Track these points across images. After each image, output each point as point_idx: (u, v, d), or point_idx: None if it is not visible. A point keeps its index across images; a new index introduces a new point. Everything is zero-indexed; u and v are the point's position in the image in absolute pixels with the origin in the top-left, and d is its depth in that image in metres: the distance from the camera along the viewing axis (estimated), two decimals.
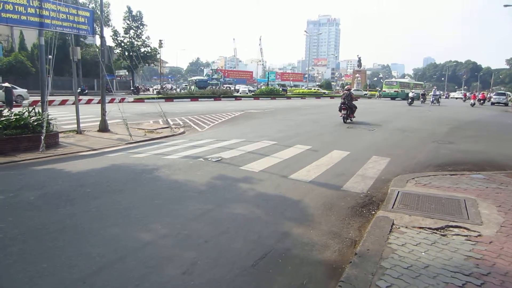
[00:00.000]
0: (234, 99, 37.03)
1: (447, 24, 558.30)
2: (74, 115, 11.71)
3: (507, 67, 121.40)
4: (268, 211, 4.63)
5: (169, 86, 67.23)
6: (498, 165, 7.72)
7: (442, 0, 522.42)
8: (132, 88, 45.73)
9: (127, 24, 51.27)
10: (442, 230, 3.95)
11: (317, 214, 4.60)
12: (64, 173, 6.49)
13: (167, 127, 13.20)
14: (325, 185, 5.84)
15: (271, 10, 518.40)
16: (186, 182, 5.88)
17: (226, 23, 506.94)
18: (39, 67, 10.56)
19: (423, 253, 3.36)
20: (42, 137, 8.53)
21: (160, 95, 35.34)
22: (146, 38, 52.76)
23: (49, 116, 9.63)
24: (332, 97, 54.44)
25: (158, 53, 56.19)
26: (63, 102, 20.52)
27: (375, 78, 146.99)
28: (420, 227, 4.02)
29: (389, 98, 47.59)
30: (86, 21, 11.31)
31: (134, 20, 51.60)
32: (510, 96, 42.83)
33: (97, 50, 22.59)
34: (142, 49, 52.24)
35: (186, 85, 59.93)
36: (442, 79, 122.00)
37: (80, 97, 22.53)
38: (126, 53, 48.71)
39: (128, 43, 50.89)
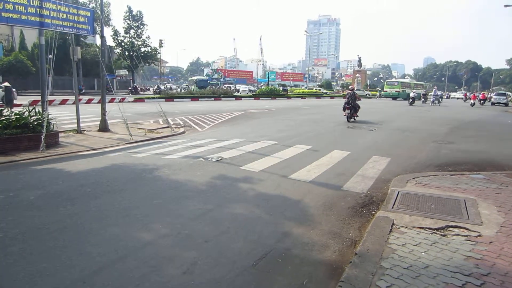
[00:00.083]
0: (234, 99, 37.03)
1: (447, 24, 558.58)
2: (74, 115, 11.71)
3: (507, 67, 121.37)
4: (268, 211, 4.63)
5: (169, 85, 67.20)
6: (498, 165, 7.72)
7: (442, 0, 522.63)
8: (129, 88, 45.69)
9: (128, 23, 51.30)
10: (442, 230, 3.95)
11: (317, 214, 4.60)
12: (64, 173, 6.49)
13: (167, 127, 13.20)
14: (325, 185, 5.85)
15: (271, 10, 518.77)
16: (186, 182, 5.88)
17: (226, 23, 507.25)
18: (40, 66, 10.56)
19: (423, 253, 3.37)
20: (42, 137, 8.53)
21: (155, 95, 35.37)
22: (146, 37, 52.81)
23: (49, 116, 9.63)
24: (332, 97, 54.48)
25: (159, 53, 56.23)
26: (63, 102, 20.50)
27: (375, 78, 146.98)
28: (420, 227, 4.02)
29: (391, 98, 47.73)
30: (86, 21, 11.31)
31: (135, 19, 51.63)
32: (510, 96, 42.85)
33: (97, 49, 22.59)
34: (143, 49, 52.27)
35: (186, 85, 59.92)
36: (442, 79, 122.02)
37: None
38: (126, 53, 48.76)
39: (128, 43, 50.91)
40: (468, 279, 2.91)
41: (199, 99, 33.55)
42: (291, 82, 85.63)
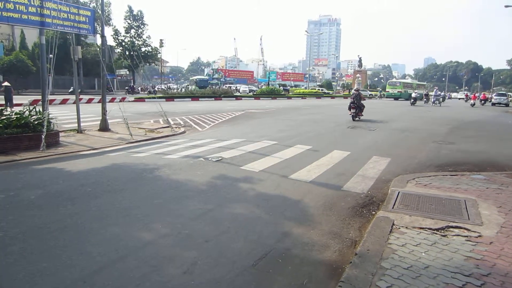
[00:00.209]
0: (234, 98, 37.03)
1: (448, 24, 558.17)
2: (75, 114, 11.71)
3: (508, 67, 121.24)
4: (268, 211, 4.64)
5: (169, 85, 67.22)
6: (498, 165, 7.72)
7: (443, 0, 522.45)
8: (127, 88, 45.69)
9: (128, 23, 51.35)
10: (442, 231, 3.95)
11: (317, 214, 4.60)
12: (64, 172, 6.49)
13: (168, 127, 13.21)
14: (326, 185, 5.85)
15: (271, 10, 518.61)
16: (187, 181, 5.89)
17: (227, 22, 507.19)
18: (40, 66, 10.57)
19: (423, 254, 3.37)
20: (43, 136, 8.54)
21: (150, 95, 35.42)
22: (147, 37, 52.87)
23: (50, 115, 9.64)
24: (333, 97, 54.48)
25: (159, 53, 56.23)
26: (63, 101, 20.52)
27: (376, 78, 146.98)
28: (421, 228, 4.02)
29: (393, 98, 47.96)
30: (87, 20, 11.32)
31: (135, 19, 51.68)
32: (511, 97, 42.83)
33: (98, 49, 22.63)
34: (143, 49, 52.33)
35: (188, 85, 59.99)
36: (443, 79, 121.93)
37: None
38: (127, 53, 48.79)
39: (129, 43, 50.98)
40: (468, 280, 2.91)
41: (200, 99, 33.54)
42: (292, 82, 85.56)
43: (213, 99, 34.64)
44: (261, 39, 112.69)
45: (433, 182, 5.90)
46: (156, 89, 48.22)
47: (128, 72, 54.18)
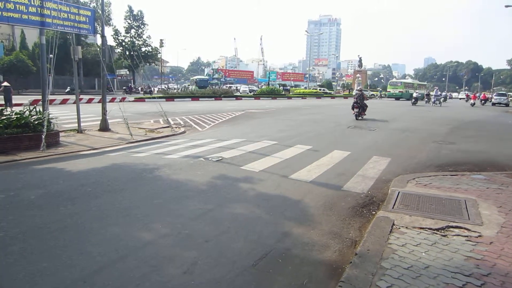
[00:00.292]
0: (234, 98, 37.03)
1: (448, 24, 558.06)
2: (75, 114, 11.72)
3: (508, 67, 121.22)
4: (268, 211, 4.64)
5: (171, 85, 67.27)
6: (498, 165, 7.71)
7: (443, 0, 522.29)
8: (124, 88, 45.70)
9: (128, 23, 51.37)
10: (442, 231, 3.95)
11: (318, 214, 4.60)
12: (65, 172, 6.50)
13: (168, 127, 13.21)
14: (326, 185, 5.85)
15: (272, 10, 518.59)
16: (187, 181, 5.89)
17: (227, 22, 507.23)
18: (40, 66, 10.56)
19: (423, 254, 3.37)
20: (43, 136, 8.54)
21: (146, 95, 35.46)
22: (147, 37, 52.90)
23: (50, 115, 9.64)
24: (333, 97, 54.48)
25: (159, 53, 56.26)
26: (64, 101, 20.54)
27: (376, 78, 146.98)
28: (421, 228, 4.02)
29: (393, 98, 48.11)
30: (87, 20, 11.32)
31: (135, 19, 51.70)
32: (511, 97, 42.85)
33: (98, 49, 22.62)
34: (143, 49, 52.35)
35: (188, 85, 60.00)
36: (443, 79, 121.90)
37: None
38: (127, 53, 48.81)
39: (129, 43, 51.00)
40: (468, 280, 2.91)
41: (200, 99, 33.54)
42: (292, 82, 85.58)
43: (213, 99, 34.64)
44: (261, 39, 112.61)
45: (433, 182, 5.89)
46: (152, 89, 48.20)
47: (128, 72, 54.22)
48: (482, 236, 3.79)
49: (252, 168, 6.81)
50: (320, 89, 63.46)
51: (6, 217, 4.22)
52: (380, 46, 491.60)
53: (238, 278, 3.03)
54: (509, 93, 48.38)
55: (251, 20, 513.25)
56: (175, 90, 49.22)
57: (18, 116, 8.79)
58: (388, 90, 52.27)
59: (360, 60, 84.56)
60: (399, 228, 4.01)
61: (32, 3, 9.45)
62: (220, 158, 7.62)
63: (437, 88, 41.33)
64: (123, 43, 51.33)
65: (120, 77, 52.07)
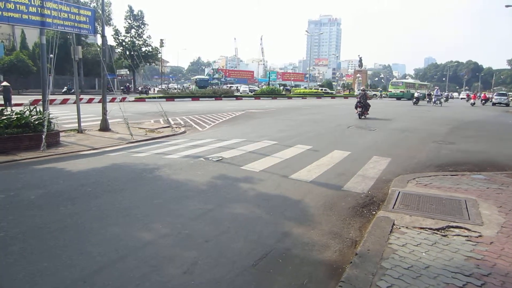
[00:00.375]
0: (235, 98, 37.03)
1: (448, 24, 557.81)
2: (75, 114, 11.72)
3: (508, 67, 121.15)
4: (268, 211, 4.63)
5: (171, 85, 67.27)
6: (499, 165, 7.71)
7: (443, 0, 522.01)
8: (121, 88, 45.66)
9: (129, 23, 51.28)
10: (442, 231, 3.95)
11: (318, 214, 4.60)
12: (65, 172, 6.50)
13: (168, 127, 13.21)
14: (326, 185, 5.84)
15: (272, 10, 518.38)
16: (187, 181, 5.89)
17: (227, 22, 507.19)
18: (41, 66, 10.56)
19: (423, 254, 3.36)
20: (43, 136, 8.54)
21: (142, 95, 35.46)
22: (147, 37, 52.76)
23: (50, 115, 9.64)
24: (333, 97, 54.48)
25: (159, 53, 56.20)
26: (64, 101, 20.53)
27: (376, 78, 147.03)
28: (421, 228, 4.02)
29: (395, 98, 48.19)
30: (87, 20, 11.33)
31: (136, 19, 51.61)
32: (511, 97, 42.86)
33: (99, 49, 22.63)
34: (143, 49, 52.25)
35: (189, 85, 59.95)
36: (443, 79, 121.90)
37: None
38: (127, 53, 48.70)
39: (129, 42, 50.90)
40: (468, 280, 2.90)
41: (200, 99, 33.54)
42: (292, 82, 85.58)
43: (213, 99, 34.64)
44: (261, 39, 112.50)
45: (434, 182, 5.89)
46: (147, 89, 48.14)
47: (128, 72, 54.20)
48: (482, 236, 3.79)
49: (252, 168, 6.81)
50: (321, 89, 63.42)
51: (6, 217, 4.22)
52: (381, 46, 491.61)
53: (238, 278, 3.03)
54: (509, 93, 48.39)
55: (251, 20, 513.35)
56: (176, 90, 49.24)
57: (19, 116, 8.79)
58: (389, 90, 52.53)
59: (360, 60, 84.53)
60: (400, 228, 4.01)
61: (33, 3, 9.45)
62: (220, 158, 7.61)
63: (437, 88, 41.39)
64: (124, 43, 51.25)
65: (120, 77, 52.06)
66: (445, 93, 37.21)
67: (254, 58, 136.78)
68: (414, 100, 34.21)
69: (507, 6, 29.68)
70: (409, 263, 3.17)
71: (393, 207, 4.68)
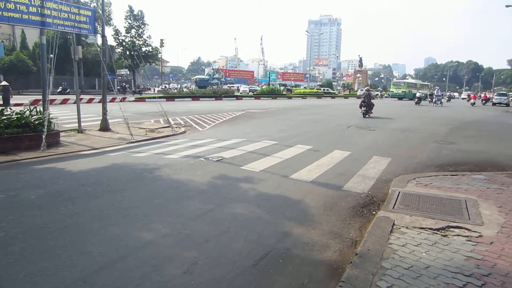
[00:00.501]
0: (235, 98, 37.02)
1: (448, 24, 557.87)
2: (75, 114, 11.72)
3: (509, 67, 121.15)
4: (268, 211, 4.63)
5: (171, 85, 67.29)
6: (499, 165, 7.71)
7: (443, 0, 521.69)
8: (118, 87, 45.59)
9: (129, 23, 51.33)
10: (443, 231, 3.95)
11: (318, 214, 4.60)
12: (65, 172, 6.50)
13: (168, 127, 13.21)
14: (326, 185, 5.84)
15: (272, 10, 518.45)
16: (187, 181, 5.89)
17: (227, 22, 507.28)
18: (41, 66, 10.56)
19: (423, 254, 3.36)
20: (43, 136, 8.54)
21: (136, 96, 35.48)
22: (147, 37, 52.84)
23: (50, 115, 9.64)
24: (333, 97, 54.47)
25: (160, 53, 56.25)
26: (64, 101, 20.52)
27: (376, 78, 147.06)
28: (421, 228, 4.01)
29: (396, 98, 48.23)
30: (87, 20, 11.33)
31: (136, 19, 51.66)
32: (511, 97, 42.86)
33: (99, 49, 22.63)
34: (144, 49, 52.31)
35: (190, 85, 59.95)
36: (444, 79, 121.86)
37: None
38: (128, 52, 48.72)
39: (129, 42, 50.96)
40: (469, 280, 2.90)
41: (200, 98, 33.52)
42: (292, 82, 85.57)
43: (213, 99, 34.62)
44: (261, 39, 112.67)
45: (434, 182, 5.89)
46: (141, 89, 48.03)
47: (128, 72, 54.19)
48: (483, 236, 3.79)
49: (253, 168, 6.81)
50: (322, 89, 63.35)
51: (7, 217, 4.22)
52: (381, 46, 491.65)
53: (238, 278, 3.03)
54: (509, 93, 48.38)
55: (251, 20, 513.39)
56: (175, 90, 49.23)
57: (19, 116, 8.79)
58: (391, 90, 52.66)
59: (360, 60, 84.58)
60: (400, 228, 4.01)
61: (33, 3, 9.45)
62: (220, 158, 7.62)
63: (438, 88, 41.42)
64: (124, 43, 51.29)
65: (120, 77, 52.02)
66: (447, 93, 37.16)
67: (254, 58, 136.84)
68: (416, 100, 34.33)
69: (507, 6, 29.68)
70: (409, 263, 3.17)
71: (393, 207, 4.68)
